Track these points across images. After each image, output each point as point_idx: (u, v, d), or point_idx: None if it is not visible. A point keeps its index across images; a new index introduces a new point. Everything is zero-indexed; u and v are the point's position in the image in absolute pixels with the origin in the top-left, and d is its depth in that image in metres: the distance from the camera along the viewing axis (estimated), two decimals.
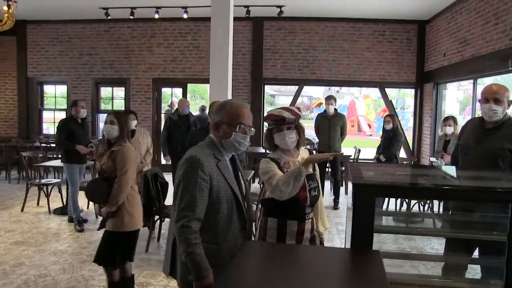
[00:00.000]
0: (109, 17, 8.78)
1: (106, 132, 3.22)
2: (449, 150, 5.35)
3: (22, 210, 6.17)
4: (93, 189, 3.18)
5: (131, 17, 8.67)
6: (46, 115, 10.53)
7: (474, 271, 3.29)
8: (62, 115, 9.59)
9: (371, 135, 20.49)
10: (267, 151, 2.61)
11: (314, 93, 24.97)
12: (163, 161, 6.85)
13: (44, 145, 8.80)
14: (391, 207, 6.47)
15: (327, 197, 7.21)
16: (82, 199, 5.59)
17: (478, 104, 3.44)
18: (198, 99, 21.39)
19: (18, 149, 8.40)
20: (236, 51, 8.89)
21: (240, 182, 2.17)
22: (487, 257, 2.53)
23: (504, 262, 1.96)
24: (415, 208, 6.16)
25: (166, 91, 10.51)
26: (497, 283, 2.02)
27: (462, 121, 7.15)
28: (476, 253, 2.75)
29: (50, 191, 6.28)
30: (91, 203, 5.37)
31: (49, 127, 10.64)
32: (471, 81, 7.08)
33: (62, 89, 10.45)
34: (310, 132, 8.38)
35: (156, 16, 8.63)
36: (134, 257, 3.30)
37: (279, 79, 9.43)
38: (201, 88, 20.04)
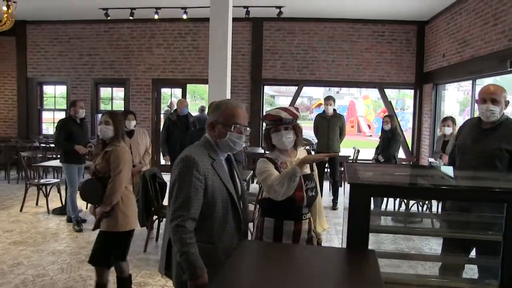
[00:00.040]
0: (108, 18, 8.79)
1: (101, 133, 3.21)
2: (448, 151, 5.35)
3: (21, 210, 6.17)
4: (87, 189, 3.18)
5: (131, 17, 8.68)
6: (46, 115, 10.54)
7: (472, 271, 3.29)
8: (62, 115, 9.59)
9: (371, 135, 20.50)
10: (266, 151, 2.61)
11: (314, 94, 25.03)
12: (163, 161, 6.86)
13: (44, 145, 8.81)
14: (390, 207, 6.48)
15: (326, 197, 7.21)
16: (80, 199, 5.58)
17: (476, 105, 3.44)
18: (198, 99, 21.42)
19: (17, 149, 8.42)
20: (235, 52, 8.90)
21: (235, 182, 2.17)
22: (484, 257, 2.54)
23: (500, 261, 1.96)
24: (414, 209, 6.16)
25: (165, 91, 10.52)
26: (493, 283, 2.02)
27: (462, 122, 7.14)
28: (473, 253, 2.76)
29: (49, 191, 6.29)
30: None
31: (49, 127, 10.65)
32: (470, 81, 7.08)
33: (61, 90, 10.46)
34: (309, 133, 8.40)
35: (156, 16, 8.64)
36: (127, 257, 3.30)
37: (278, 80, 9.44)
38: (201, 89, 20.06)
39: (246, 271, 1.76)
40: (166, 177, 5.09)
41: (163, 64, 9.55)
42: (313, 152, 6.41)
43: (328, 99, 6.82)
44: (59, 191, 6.48)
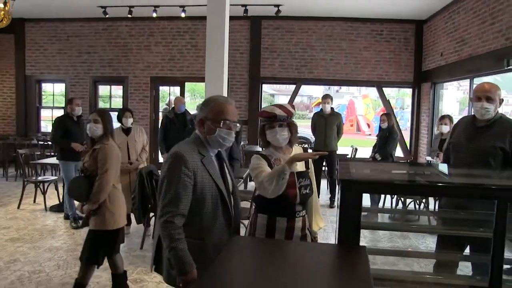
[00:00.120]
0: (107, 16, 8.79)
1: (90, 131, 3.20)
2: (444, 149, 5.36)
3: (18, 207, 6.18)
4: (74, 186, 3.19)
5: (129, 15, 8.67)
6: (44, 113, 10.53)
7: (467, 269, 3.30)
8: (60, 113, 9.56)
9: (370, 134, 20.50)
10: (263, 149, 2.62)
11: (314, 93, 25.01)
12: (161, 159, 6.87)
13: (42, 143, 8.82)
14: (388, 205, 6.50)
15: (323, 195, 7.22)
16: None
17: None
18: (198, 98, 21.39)
19: (15, 146, 8.43)
20: (234, 50, 8.91)
21: (226, 178, 2.18)
22: (478, 254, 2.55)
23: (490, 258, 1.97)
24: (411, 207, 6.17)
25: (164, 89, 10.52)
26: (484, 279, 2.03)
27: None
28: (467, 251, 2.77)
29: (47, 188, 6.30)
30: None
31: (47, 125, 10.64)
32: (468, 80, 7.09)
33: (60, 88, 10.46)
34: (307, 131, 8.41)
35: (154, 15, 8.64)
36: (119, 253, 3.31)
37: (277, 78, 9.43)
38: (201, 87, 20.03)
39: (236, 267, 1.76)
40: None
41: (162, 62, 9.55)
42: (310, 150, 6.40)
43: (326, 98, 6.83)
44: (56, 189, 6.50)
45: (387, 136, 6.32)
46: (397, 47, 8.98)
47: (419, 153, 8.98)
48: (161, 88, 10.11)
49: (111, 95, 10.31)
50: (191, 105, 14.92)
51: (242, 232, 2.55)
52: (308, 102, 26.61)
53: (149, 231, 4.98)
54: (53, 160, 6.42)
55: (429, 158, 6.65)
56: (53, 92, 10.61)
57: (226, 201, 2.10)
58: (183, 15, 8.55)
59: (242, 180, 6.27)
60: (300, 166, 2.50)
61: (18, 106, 10.07)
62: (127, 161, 5.13)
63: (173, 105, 6.53)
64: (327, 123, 6.70)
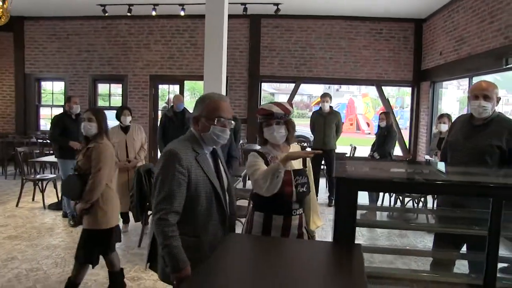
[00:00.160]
0: (106, 14, 8.77)
1: (84, 130, 3.19)
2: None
3: (17, 205, 6.18)
4: (67, 184, 3.18)
5: (129, 14, 8.67)
6: (44, 111, 10.53)
7: (464, 267, 3.30)
8: (60, 111, 9.56)
9: (369, 133, 20.48)
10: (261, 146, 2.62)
11: (314, 92, 24.99)
12: None
13: (41, 141, 8.81)
14: (386, 204, 6.49)
15: (322, 194, 7.22)
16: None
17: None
18: (198, 96, 21.37)
19: (14, 145, 8.41)
20: (233, 49, 8.91)
21: (221, 175, 2.17)
22: (474, 252, 2.54)
23: (485, 256, 1.97)
24: (410, 205, 6.17)
25: (163, 88, 10.52)
26: (479, 277, 2.03)
27: None
28: (464, 249, 2.77)
29: (45, 186, 6.30)
30: None
31: (47, 123, 10.63)
32: (467, 79, 7.08)
33: (60, 86, 10.46)
34: (307, 130, 8.40)
35: (154, 13, 8.64)
36: (115, 251, 3.31)
37: (276, 77, 9.43)
38: (200, 86, 19.88)
39: (230, 264, 1.76)
40: None
41: (161, 61, 9.55)
42: (308, 149, 6.41)
43: (325, 96, 6.83)
44: (55, 187, 6.50)
45: (385, 134, 6.32)
46: (397, 46, 8.97)
47: (418, 151, 8.98)
48: (160, 86, 10.12)
49: (111, 94, 10.31)
50: (191, 104, 14.88)
51: (238, 229, 2.55)
52: (308, 101, 26.59)
53: (147, 229, 4.98)
54: (52, 158, 6.42)
55: (428, 157, 6.65)
56: (53, 91, 10.61)
57: (220, 199, 2.10)
58: (182, 13, 8.54)
59: (241, 178, 6.27)
60: (297, 164, 2.50)
61: (17, 104, 10.06)
62: (125, 159, 5.13)
63: (172, 104, 6.53)
64: (326, 122, 6.70)
